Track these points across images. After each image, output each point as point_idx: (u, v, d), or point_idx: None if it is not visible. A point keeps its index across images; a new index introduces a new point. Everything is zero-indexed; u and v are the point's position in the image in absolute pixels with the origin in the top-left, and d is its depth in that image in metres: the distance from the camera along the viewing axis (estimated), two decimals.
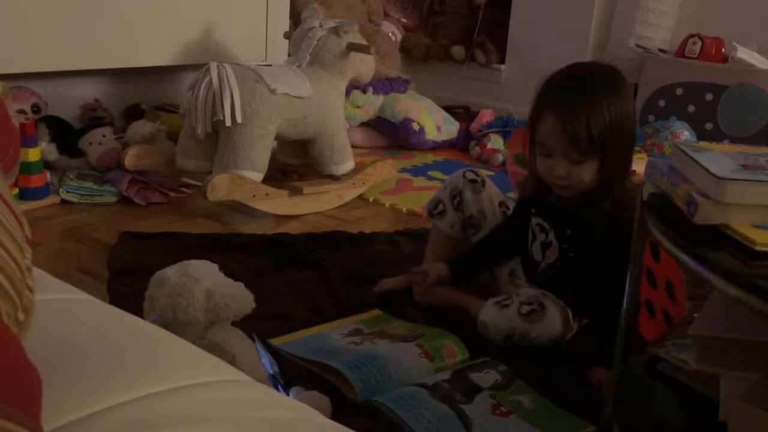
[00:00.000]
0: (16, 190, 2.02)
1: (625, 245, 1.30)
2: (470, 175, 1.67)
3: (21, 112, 2.23)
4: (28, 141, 2.03)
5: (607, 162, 1.34)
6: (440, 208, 1.68)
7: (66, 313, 0.74)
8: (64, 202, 2.12)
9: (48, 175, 2.13)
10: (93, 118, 2.50)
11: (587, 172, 1.35)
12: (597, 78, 1.35)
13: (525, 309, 1.41)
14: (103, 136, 2.30)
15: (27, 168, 2.03)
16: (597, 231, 1.40)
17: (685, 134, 2.69)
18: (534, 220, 1.53)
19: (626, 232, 1.33)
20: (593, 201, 1.39)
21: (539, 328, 1.40)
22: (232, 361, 1.05)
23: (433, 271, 1.61)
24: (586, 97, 1.32)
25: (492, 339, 1.43)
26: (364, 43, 2.32)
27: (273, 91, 2.06)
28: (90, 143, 2.29)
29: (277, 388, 1.17)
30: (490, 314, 1.44)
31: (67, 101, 2.49)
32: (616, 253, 1.34)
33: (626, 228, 1.33)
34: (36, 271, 0.65)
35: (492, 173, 2.10)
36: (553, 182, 1.40)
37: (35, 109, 2.30)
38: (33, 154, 2.06)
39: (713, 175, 0.84)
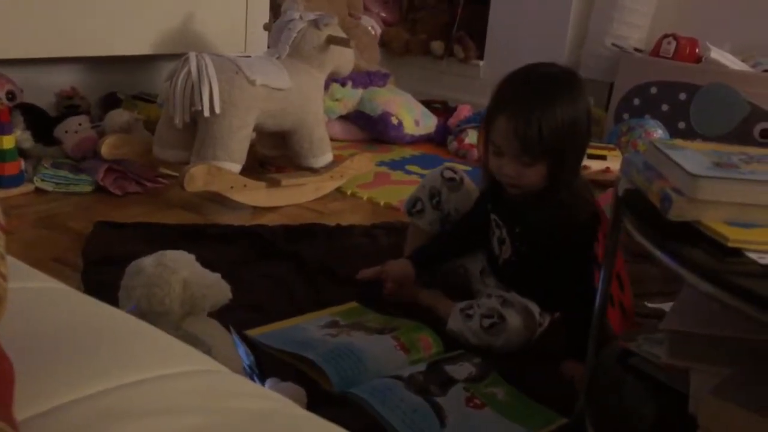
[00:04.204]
0: None
1: (575, 243, 1.32)
2: (448, 174, 1.67)
3: None
4: (3, 128, 2.01)
5: (557, 165, 1.35)
6: (419, 206, 1.68)
7: (40, 302, 0.73)
8: (38, 190, 2.10)
9: (22, 163, 2.10)
10: (69, 106, 2.48)
11: (536, 174, 1.36)
12: (553, 81, 1.35)
13: (486, 323, 1.42)
14: (79, 124, 2.28)
15: (1, 155, 2.01)
16: (544, 230, 1.42)
17: (659, 132, 2.72)
18: (491, 216, 1.55)
19: (572, 230, 1.35)
20: (541, 201, 1.41)
21: (502, 339, 1.41)
22: (207, 351, 1.05)
23: (396, 268, 1.60)
24: (540, 102, 1.32)
25: (462, 345, 1.44)
26: (344, 36, 2.32)
27: (252, 83, 2.05)
28: (66, 131, 2.26)
29: (252, 379, 1.17)
30: (458, 324, 1.45)
31: (43, 89, 2.46)
32: (566, 251, 1.37)
33: (572, 227, 1.36)
34: (9, 259, 0.64)
35: (469, 168, 2.11)
36: (503, 181, 1.42)
37: (10, 96, 2.27)
38: (7, 142, 2.03)
39: (687, 172, 0.85)
